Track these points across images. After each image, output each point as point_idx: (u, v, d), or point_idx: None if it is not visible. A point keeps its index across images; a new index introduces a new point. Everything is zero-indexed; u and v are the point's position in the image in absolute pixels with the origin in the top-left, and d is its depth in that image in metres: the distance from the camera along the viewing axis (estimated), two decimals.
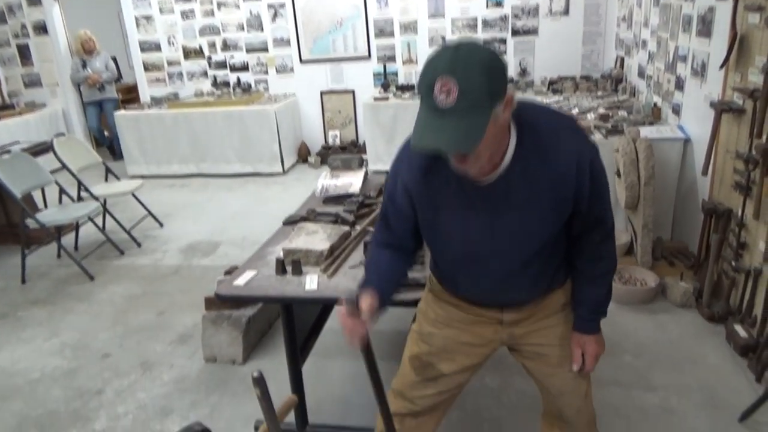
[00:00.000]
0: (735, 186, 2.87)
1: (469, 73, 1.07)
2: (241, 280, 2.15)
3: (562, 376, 1.58)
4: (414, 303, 1.73)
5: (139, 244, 4.69)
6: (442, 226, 1.36)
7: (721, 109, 2.97)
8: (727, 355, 2.74)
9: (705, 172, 3.18)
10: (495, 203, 1.29)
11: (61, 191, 4.48)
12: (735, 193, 2.89)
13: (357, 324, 1.29)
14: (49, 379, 2.93)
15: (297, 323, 2.28)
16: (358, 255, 2.27)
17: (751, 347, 2.64)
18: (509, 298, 1.47)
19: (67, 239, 4.62)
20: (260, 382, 1.07)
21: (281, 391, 2.39)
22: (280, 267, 2.18)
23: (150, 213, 5.09)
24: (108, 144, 7.68)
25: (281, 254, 2.27)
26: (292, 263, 2.18)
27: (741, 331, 2.73)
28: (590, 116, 4.37)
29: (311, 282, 2.09)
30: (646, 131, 3.67)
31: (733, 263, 2.87)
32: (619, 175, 3.50)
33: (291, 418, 2.37)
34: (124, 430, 2.52)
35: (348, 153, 5.90)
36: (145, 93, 7.46)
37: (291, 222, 2.69)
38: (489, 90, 1.09)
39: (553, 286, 1.50)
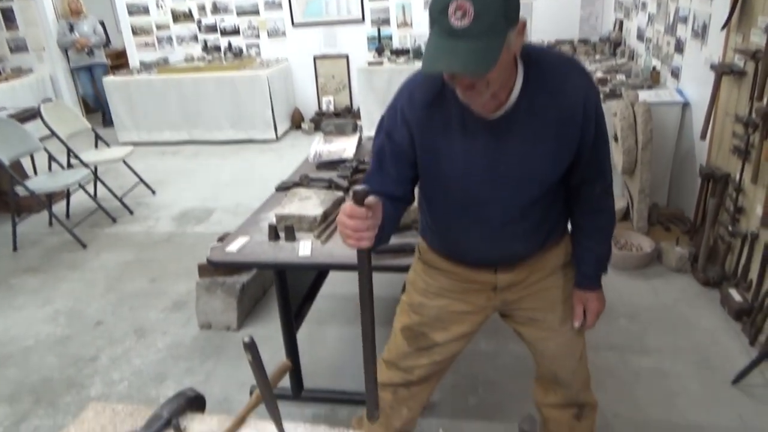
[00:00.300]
0: (733, 150, 2.84)
1: None
2: (233, 247, 2.12)
3: (557, 340, 1.56)
4: (407, 269, 1.70)
5: (131, 212, 4.64)
6: (443, 166, 1.30)
7: (722, 71, 2.92)
8: (721, 319, 2.75)
9: (703, 137, 3.14)
10: (499, 140, 1.25)
11: (50, 158, 4.41)
12: (733, 157, 2.86)
13: (361, 221, 1.07)
14: (43, 347, 2.92)
15: (291, 289, 2.26)
16: None
17: (746, 311, 2.64)
18: (506, 250, 1.42)
19: (59, 207, 4.57)
20: (251, 347, 1.05)
21: (277, 357, 2.40)
22: (273, 233, 2.15)
23: (142, 180, 5.03)
24: (103, 110, 7.55)
25: (274, 220, 2.24)
26: (285, 229, 2.14)
27: (736, 295, 2.73)
28: None
29: (304, 248, 2.06)
30: (645, 95, 3.61)
31: (730, 228, 2.86)
32: (616, 139, 3.45)
33: (287, 383, 2.37)
34: (119, 396, 2.52)
35: (342, 119, 5.81)
36: (134, 58, 7.29)
37: (284, 188, 2.65)
38: (504, 13, 1.06)
39: (549, 241, 1.47)
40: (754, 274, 2.68)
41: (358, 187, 1.07)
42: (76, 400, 2.50)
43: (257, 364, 1.07)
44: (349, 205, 1.07)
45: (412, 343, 1.56)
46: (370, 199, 1.07)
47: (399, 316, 1.60)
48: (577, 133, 1.28)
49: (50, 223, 4.39)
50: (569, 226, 1.54)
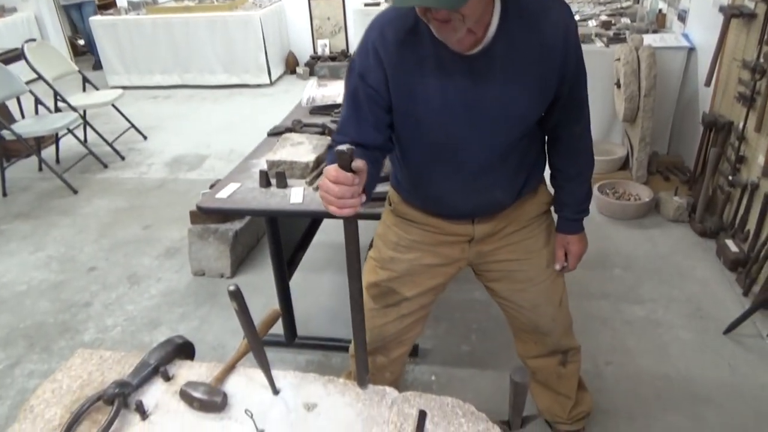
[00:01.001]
0: (738, 97, 2.76)
1: None
2: (223, 193, 2.07)
3: (535, 289, 1.52)
4: (379, 217, 1.62)
5: (122, 158, 4.57)
6: (419, 107, 1.23)
7: (731, 13, 2.80)
8: (716, 269, 2.74)
9: (708, 83, 3.05)
10: (477, 78, 1.18)
11: (37, 101, 4.28)
12: (738, 105, 2.79)
13: (347, 187, 0.98)
14: (35, 292, 2.91)
15: (283, 237, 2.23)
16: None
17: (741, 261, 2.63)
18: (484, 199, 1.37)
19: (48, 152, 4.49)
20: (237, 295, 1.02)
21: (270, 305, 2.38)
22: (264, 179, 2.10)
23: (133, 125, 4.92)
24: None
25: (265, 166, 2.18)
26: (277, 175, 2.09)
27: (732, 245, 2.72)
28: (591, 23, 4.15)
29: (296, 195, 2.01)
30: (650, 39, 3.49)
31: (730, 177, 2.82)
32: (618, 85, 3.36)
33: (280, 330, 2.37)
34: (113, 341, 2.53)
35: (338, 63, 5.65)
36: None
37: (276, 133, 2.58)
38: None
39: (526, 189, 1.42)
40: (752, 225, 2.66)
41: (343, 147, 0.95)
42: (71, 345, 2.51)
43: (243, 312, 1.05)
44: (333, 168, 0.97)
45: (379, 300, 1.52)
46: (359, 163, 0.97)
47: (365, 274, 1.54)
48: (558, 70, 1.22)
49: (40, 169, 4.32)
50: (547, 173, 1.50)
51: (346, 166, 0.96)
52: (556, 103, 1.29)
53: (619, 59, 3.33)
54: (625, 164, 3.62)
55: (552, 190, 1.53)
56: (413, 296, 1.51)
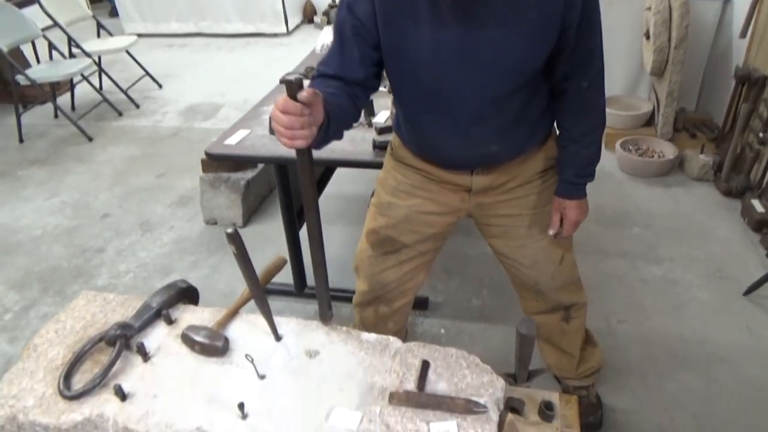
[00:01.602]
0: None
1: None
2: (232, 140, 2.03)
3: (533, 246, 1.47)
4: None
5: (137, 105, 4.53)
6: (410, 48, 1.17)
7: None
8: (739, 229, 2.65)
9: (744, 34, 2.89)
10: (471, 18, 1.10)
11: (51, 47, 4.23)
12: None
13: (296, 118, 0.93)
14: (50, 237, 2.93)
15: (294, 186, 2.19)
16: None
17: (767, 222, 2.54)
18: (479, 151, 1.31)
19: (64, 99, 4.47)
20: (235, 237, 0.98)
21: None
22: None
23: (148, 73, 4.87)
24: None
25: None
26: None
27: (758, 205, 2.62)
28: None
29: None
30: None
31: (761, 135, 2.69)
32: (647, 36, 3.20)
33: (290, 280, 2.36)
34: (125, 286, 2.54)
35: None
36: None
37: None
38: None
39: (529, 145, 1.35)
40: None
41: (291, 77, 0.92)
42: (84, 289, 2.52)
43: (242, 255, 1.02)
44: (282, 98, 0.94)
45: (378, 248, 1.51)
46: (305, 93, 0.92)
47: (366, 221, 1.54)
48: (559, 15, 1.11)
49: (56, 115, 4.31)
50: (555, 131, 1.41)
51: (294, 96, 0.92)
52: (562, 53, 1.19)
53: (649, 8, 3.16)
54: (650, 120, 3.48)
55: None
56: (412, 243, 1.49)
